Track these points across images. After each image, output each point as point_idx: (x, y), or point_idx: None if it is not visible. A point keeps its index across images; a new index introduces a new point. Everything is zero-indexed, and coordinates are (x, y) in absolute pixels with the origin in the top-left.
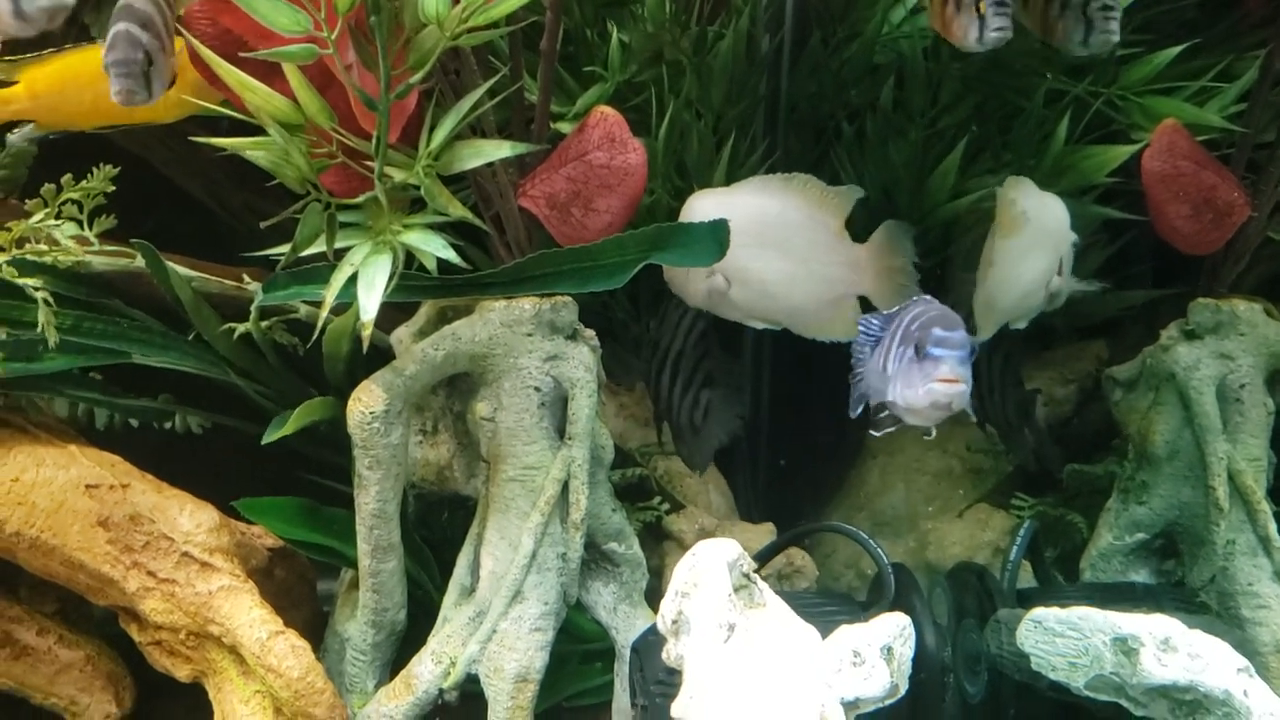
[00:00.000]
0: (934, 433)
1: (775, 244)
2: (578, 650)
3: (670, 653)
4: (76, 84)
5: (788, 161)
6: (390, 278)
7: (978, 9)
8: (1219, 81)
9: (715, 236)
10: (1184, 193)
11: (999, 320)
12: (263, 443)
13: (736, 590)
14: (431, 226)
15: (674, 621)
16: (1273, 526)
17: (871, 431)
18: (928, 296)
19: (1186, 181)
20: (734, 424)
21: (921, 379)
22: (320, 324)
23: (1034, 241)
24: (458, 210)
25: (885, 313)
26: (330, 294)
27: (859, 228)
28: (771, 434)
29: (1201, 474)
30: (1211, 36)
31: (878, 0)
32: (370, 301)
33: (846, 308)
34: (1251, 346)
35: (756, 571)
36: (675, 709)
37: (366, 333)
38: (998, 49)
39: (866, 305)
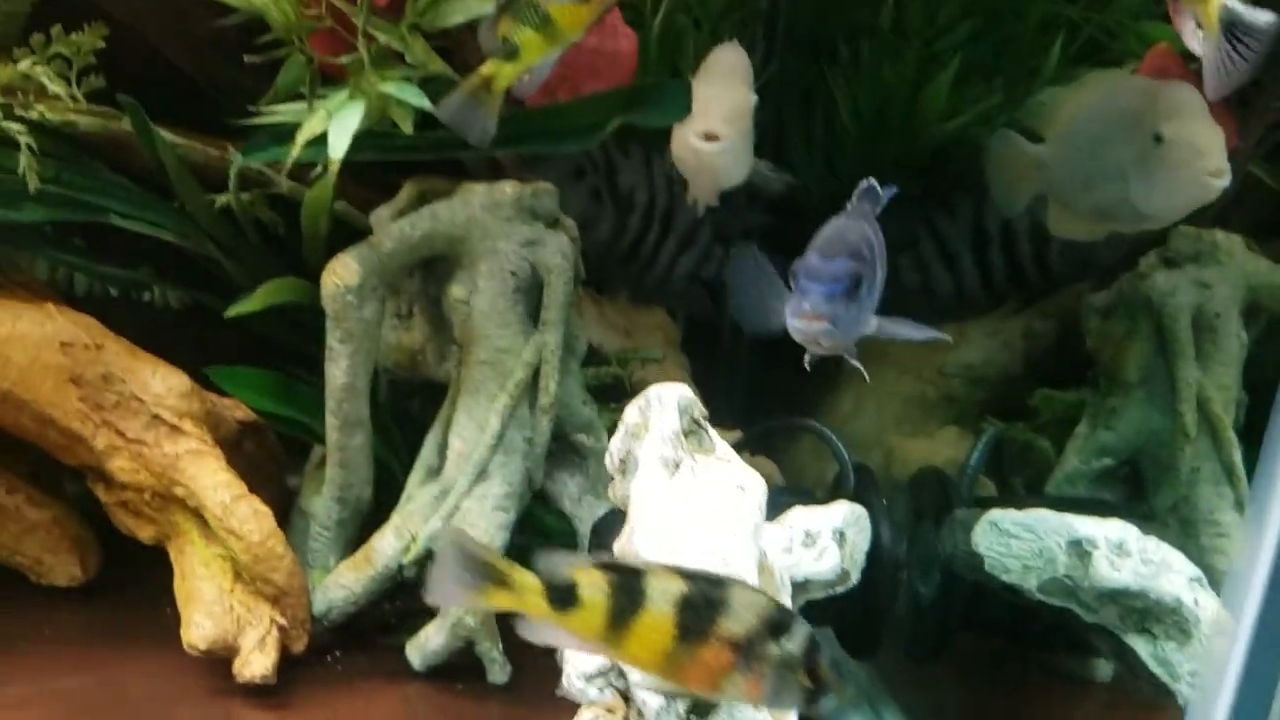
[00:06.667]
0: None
1: None
2: (539, 545)
3: (615, 492)
4: None
5: (782, 79)
6: (362, 121)
7: None
8: None
9: (685, 93)
10: None
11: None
12: (228, 315)
13: (687, 434)
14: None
15: (621, 460)
16: (1237, 456)
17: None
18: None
19: None
20: None
21: (791, 311)
22: (290, 160)
23: None
24: (436, 64)
25: None
26: (303, 136)
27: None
28: (748, 350)
29: (1171, 401)
30: None
31: None
32: (340, 140)
33: None
34: (1229, 276)
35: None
36: (616, 546)
37: (333, 168)
38: None
39: None
